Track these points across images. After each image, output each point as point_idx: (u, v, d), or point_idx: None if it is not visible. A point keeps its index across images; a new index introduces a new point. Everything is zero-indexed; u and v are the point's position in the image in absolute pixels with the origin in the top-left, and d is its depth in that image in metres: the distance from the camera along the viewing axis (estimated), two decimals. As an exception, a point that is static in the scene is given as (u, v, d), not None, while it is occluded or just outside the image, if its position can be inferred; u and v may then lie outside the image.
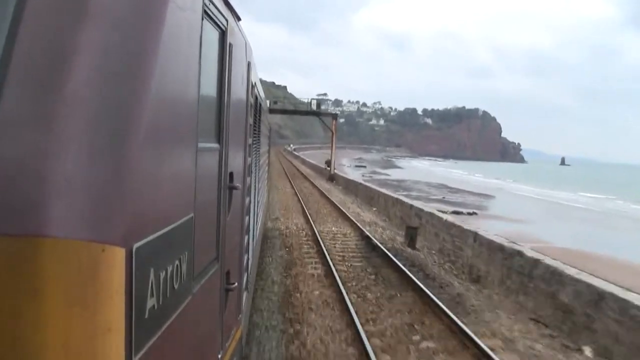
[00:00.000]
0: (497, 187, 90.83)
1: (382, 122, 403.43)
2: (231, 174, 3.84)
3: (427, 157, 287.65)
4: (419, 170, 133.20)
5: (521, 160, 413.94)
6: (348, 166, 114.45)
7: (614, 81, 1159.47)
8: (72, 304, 1.58)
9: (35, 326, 1.55)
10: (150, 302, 1.92)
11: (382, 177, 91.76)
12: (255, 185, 7.59)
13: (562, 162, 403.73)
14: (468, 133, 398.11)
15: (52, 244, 1.56)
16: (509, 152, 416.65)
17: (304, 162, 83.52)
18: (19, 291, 1.55)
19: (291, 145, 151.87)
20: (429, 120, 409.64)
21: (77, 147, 1.67)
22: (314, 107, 55.22)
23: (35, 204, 1.57)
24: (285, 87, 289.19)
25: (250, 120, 5.71)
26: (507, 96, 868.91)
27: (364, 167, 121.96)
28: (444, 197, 57.11)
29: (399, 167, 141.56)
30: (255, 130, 7.12)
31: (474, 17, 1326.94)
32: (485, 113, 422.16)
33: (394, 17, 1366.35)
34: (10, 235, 1.55)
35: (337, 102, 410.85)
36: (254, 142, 7.00)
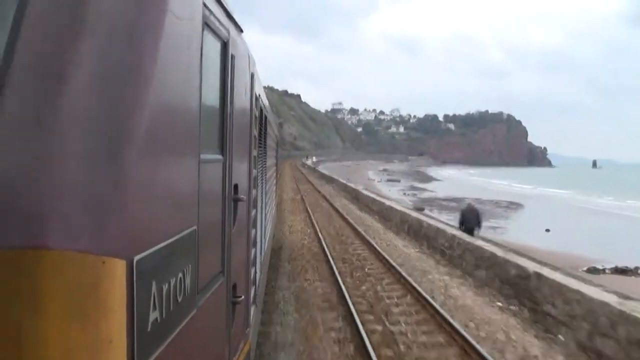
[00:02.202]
0: (570, 201, 72.68)
1: (402, 129, 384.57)
2: (236, 186, 3.78)
3: (453, 165, 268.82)
4: (460, 182, 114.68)
5: (548, 164, 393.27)
6: (378, 181, 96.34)
7: (631, 78, 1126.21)
8: (72, 316, 1.58)
9: (36, 340, 1.55)
10: (153, 315, 1.91)
11: (427, 194, 73.56)
12: (262, 198, 7.53)
13: (594, 165, 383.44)
14: (493, 138, 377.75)
15: (52, 257, 1.56)
16: (537, 157, 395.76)
17: (355, 201, 37.60)
18: (19, 304, 1.55)
19: (313, 158, 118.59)
20: (451, 126, 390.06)
21: (76, 158, 1.67)
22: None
23: (34, 216, 1.57)
24: (299, 96, 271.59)
25: (255, 132, 5.61)
26: (527, 98, 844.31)
27: (398, 181, 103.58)
28: (549, 230, 38.73)
29: (436, 180, 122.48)
30: (261, 142, 7.13)
31: (487, 18, 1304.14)
32: (509, 117, 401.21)
33: (404, 22, 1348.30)
34: (9, 248, 1.55)
35: (354, 111, 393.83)
36: (260, 154, 6.94)
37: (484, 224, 19.40)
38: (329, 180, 61.67)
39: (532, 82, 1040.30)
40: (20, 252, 1.54)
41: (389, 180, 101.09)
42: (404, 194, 69.79)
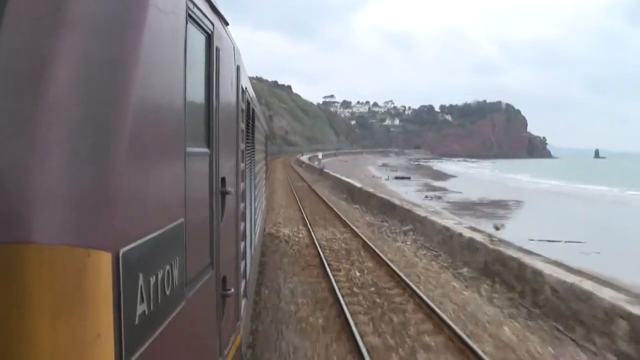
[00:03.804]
0: (625, 200, 58.87)
1: (397, 122, 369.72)
2: (223, 179, 3.78)
3: (453, 158, 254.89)
4: (476, 178, 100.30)
5: (548, 155, 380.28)
6: (385, 179, 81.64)
7: (621, 71, 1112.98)
8: (58, 310, 1.57)
9: (21, 334, 1.55)
10: (141, 307, 1.91)
11: (453, 196, 58.83)
12: (251, 192, 7.44)
13: (596, 155, 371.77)
14: (492, 129, 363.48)
15: (36, 250, 1.55)
16: (537, 148, 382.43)
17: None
18: (3, 300, 1.54)
19: (318, 155, 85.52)
20: (448, 117, 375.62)
21: (60, 151, 1.67)
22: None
23: (17, 209, 1.57)
24: (289, 87, 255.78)
25: (242, 126, 5.57)
26: (520, 90, 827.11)
27: (407, 178, 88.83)
28: None
29: (450, 176, 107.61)
30: (248, 135, 7.06)
31: (478, 11, 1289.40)
32: (508, 106, 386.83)
33: (394, 16, 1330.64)
34: None
35: (346, 104, 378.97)
36: (248, 148, 6.84)
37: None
38: (380, 207, 26.64)
39: (524, 75, 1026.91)
40: (3, 246, 1.53)
41: (397, 178, 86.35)
42: (426, 197, 55.13)
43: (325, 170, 58.32)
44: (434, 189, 69.59)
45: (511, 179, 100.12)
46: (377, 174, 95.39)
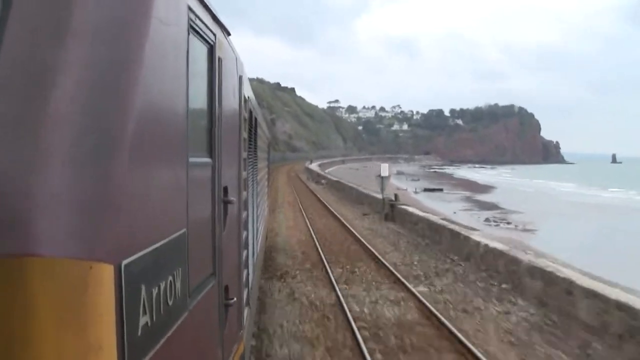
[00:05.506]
0: None
1: (405, 126, 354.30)
2: (225, 188, 3.76)
3: (464, 165, 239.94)
4: (520, 190, 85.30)
5: (563, 161, 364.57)
6: (414, 191, 66.98)
7: (629, 73, 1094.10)
8: (61, 323, 1.58)
9: (24, 347, 1.54)
10: (143, 319, 1.91)
11: (520, 218, 43.76)
12: (253, 200, 7.46)
13: (614, 160, 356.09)
14: (506, 134, 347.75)
15: (38, 263, 1.56)
16: (551, 153, 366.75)
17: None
18: (7, 312, 1.54)
19: (382, 170, 30.08)
20: (459, 122, 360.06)
21: (62, 163, 1.67)
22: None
23: (20, 222, 1.57)
24: (293, 90, 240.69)
25: (245, 134, 5.59)
26: (528, 95, 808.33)
27: (440, 190, 73.93)
28: None
29: (489, 187, 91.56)
30: (251, 144, 7.10)
31: (482, 16, 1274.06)
32: (521, 109, 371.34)
33: (398, 22, 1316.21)
34: None
35: (352, 109, 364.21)
36: (250, 157, 6.89)
37: None
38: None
39: (531, 78, 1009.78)
40: (6, 259, 1.53)
41: (427, 190, 71.36)
42: (487, 220, 40.26)
43: (404, 205, 26.36)
44: (484, 206, 54.59)
45: (556, 190, 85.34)
46: (400, 184, 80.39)
